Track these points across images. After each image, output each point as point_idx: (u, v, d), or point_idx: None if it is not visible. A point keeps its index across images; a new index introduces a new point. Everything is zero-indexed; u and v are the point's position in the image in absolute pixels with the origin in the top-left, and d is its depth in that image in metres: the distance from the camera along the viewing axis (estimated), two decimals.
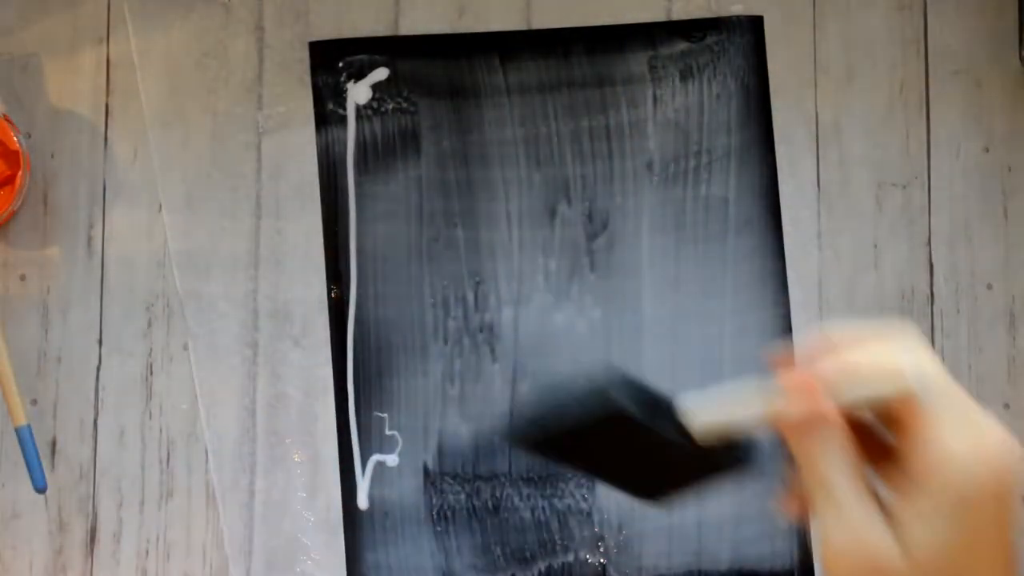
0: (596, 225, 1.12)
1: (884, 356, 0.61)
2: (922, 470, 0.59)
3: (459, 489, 1.11)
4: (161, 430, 1.13)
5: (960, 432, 0.58)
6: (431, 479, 1.11)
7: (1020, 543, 0.60)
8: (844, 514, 0.61)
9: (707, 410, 0.65)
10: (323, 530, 1.11)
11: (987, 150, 1.14)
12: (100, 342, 1.14)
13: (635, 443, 0.65)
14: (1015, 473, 0.58)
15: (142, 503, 1.13)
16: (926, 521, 0.59)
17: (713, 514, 1.10)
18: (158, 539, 1.13)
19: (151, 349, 1.14)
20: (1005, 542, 0.59)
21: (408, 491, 1.11)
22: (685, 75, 1.14)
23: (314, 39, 1.15)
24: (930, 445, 0.59)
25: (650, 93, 1.13)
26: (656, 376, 1.11)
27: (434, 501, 1.11)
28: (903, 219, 1.13)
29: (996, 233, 1.13)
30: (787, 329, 1.11)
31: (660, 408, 0.65)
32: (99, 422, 1.13)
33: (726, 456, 0.67)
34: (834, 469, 0.61)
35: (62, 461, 1.13)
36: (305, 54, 1.15)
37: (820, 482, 0.61)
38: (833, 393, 0.61)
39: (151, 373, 1.13)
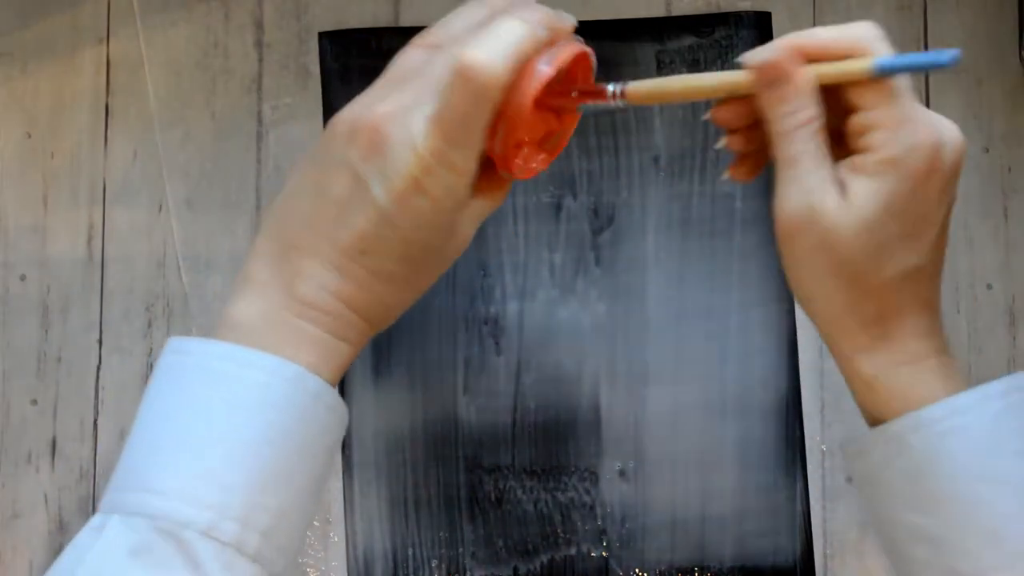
0: (602, 220, 1.12)
1: (855, 42, 0.68)
2: (882, 136, 0.67)
3: (463, 481, 1.11)
4: None
5: (920, 111, 0.67)
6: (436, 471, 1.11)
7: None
8: (800, 178, 0.70)
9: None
10: (324, 524, 1.11)
11: (987, 150, 1.14)
12: (100, 342, 1.14)
13: None
14: (959, 154, 0.68)
15: None
16: (872, 181, 0.68)
17: (716, 509, 1.10)
18: None
19: (151, 349, 1.14)
20: (940, 212, 0.69)
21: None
22: (693, 70, 1.14)
23: (321, 30, 1.15)
24: (895, 114, 0.67)
25: None
26: (660, 370, 1.11)
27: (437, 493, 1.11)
28: None
29: (996, 233, 1.13)
30: (792, 325, 1.11)
31: None
32: (99, 422, 1.13)
33: None
34: (804, 143, 0.70)
35: (62, 461, 1.13)
36: (310, 46, 1.15)
37: (788, 156, 0.71)
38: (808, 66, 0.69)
39: (151, 373, 1.13)
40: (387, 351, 1.12)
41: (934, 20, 1.15)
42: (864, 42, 0.68)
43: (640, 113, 1.14)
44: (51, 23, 1.16)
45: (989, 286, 1.13)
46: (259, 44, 1.16)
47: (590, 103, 0.77)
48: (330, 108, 1.15)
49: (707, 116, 0.76)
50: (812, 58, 0.70)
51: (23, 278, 1.14)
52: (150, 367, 1.13)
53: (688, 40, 1.14)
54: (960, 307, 1.13)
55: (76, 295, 1.14)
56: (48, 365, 1.13)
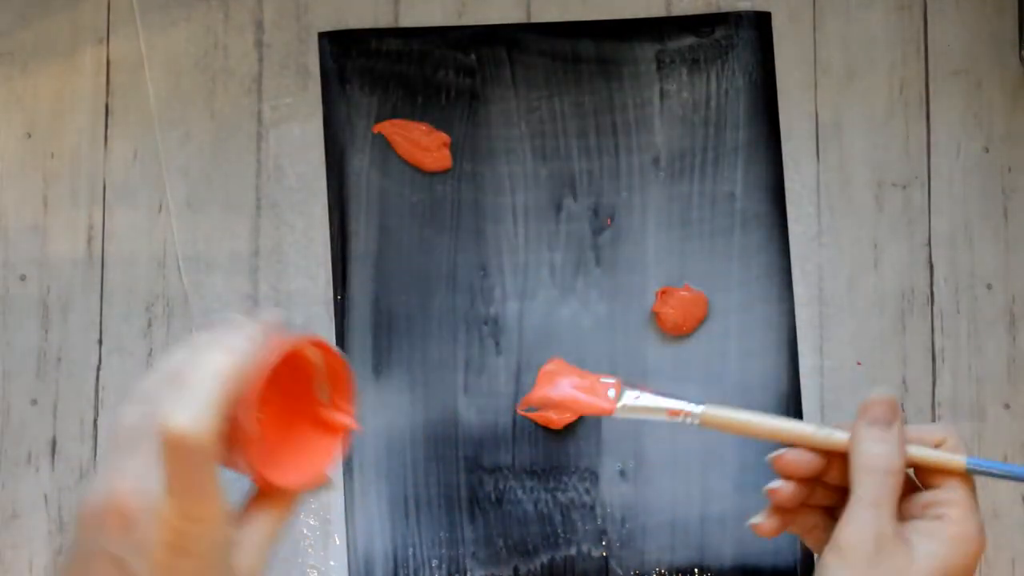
0: (602, 220, 1.12)
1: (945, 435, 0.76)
2: (958, 513, 0.74)
3: (463, 481, 1.11)
4: None
5: (974, 516, 0.74)
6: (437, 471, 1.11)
7: None
8: (878, 515, 0.74)
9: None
10: (325, 524, 1.11)
11: (987, 150, 1.14)
12: (100, 342, 1.14)
13: None
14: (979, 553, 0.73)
15: None
16: (939, 547, 0.74)
17: (716, 509, 1.10)
18: None
19: (151, 349, 1.14)
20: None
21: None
22: (693, 70, 1.14)
23: (321, 30, 1.15)
24: (971, 503, 0.74)
25: (657, 88, 1.14)
26: (660, 371, 1.11)
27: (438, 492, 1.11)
28: (903, 219, 1.13)
29: (996, 233, 1.13)
30: (792, 325, 1.11)
31: None
32: (99, 422, 1.13)
33: None
34: (887, 479, 0.75)
35: (62, 461, 1.13)
36: (310, 46, 1.15)
37: (869, 480, 0.75)
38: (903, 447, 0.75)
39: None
40: (387, 352, 1.12)
41: (934, 20, 1.15)
42: (952, 436, 0.75)
43: (640, 113, 1.14)
44: (51, 23, 1.16)
45: (989, 286, 1.13)
46: (259, 44, 1.16)
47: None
48: (330, 108, 1.15)
49: (771, 456, 0.78)
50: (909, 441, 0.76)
51: (23, 278, 1.14)
52: (150, 367, 1.13)
53: (688, 40, 1.14)
54: (960, 307, 1.13)
55: (76, 295, 1.14)
56: (48, 365, 1.13)
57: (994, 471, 0.74)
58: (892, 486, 0.75)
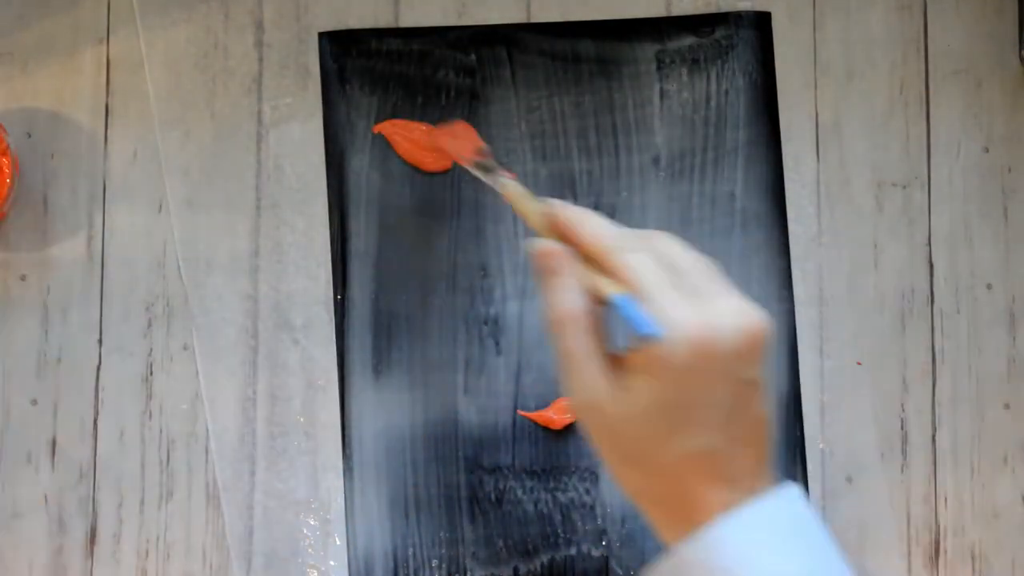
0: None
1: (621, 264, 0.78)
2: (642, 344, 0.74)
3: (463, 481, 1.11)
4: (161, 430, 1.13)
5: (672, 315, 0.74)
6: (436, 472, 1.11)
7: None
8: (578, 373, 0.77)
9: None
10: (325, 524, 1.11)
11: (987, 150, 1.14)
12: (100, 342, 1.14)
13: None
14: (743, 339, 0.75)
15: (142, 503, 1.13)
16: (640, 376, 0.75)
17: None
18: (158, 539, 1.13)
19: (151, 349, 1.14)
20: (724, 396, 0.76)
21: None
22: (693, 70, 1.14)
23: (321, 30, 1.15)
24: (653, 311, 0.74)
25: (657, 88, 1.14)
26: None
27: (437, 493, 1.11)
28: (903, 219, 1.13)
29: (996, 233, 1.14)
30: (792, 325, 1.11)
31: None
32: (99, 422, 1.13)
33: None
34: (574, 339, 0.78)
35: (62, 461, 1.13)
36: (310, 46, 1.15)
37: (562, 349, 0.78)
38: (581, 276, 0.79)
39: (151, 373, 1.13)
40: (387, 352, 1.12)
41: (934, 20, 1.15)
42: (616, 258, 0.78)
43: (640, 113, 1.14)
44: (51, 23, 1.16)
45: (989, 286, 1.13)
46: (259, 44, 1.16)
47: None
48: (330, 108, 1.14)
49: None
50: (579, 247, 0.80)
51: (23, 278, 1.14)
52: (150, 367, 1.13)
53: (688, 40, 1.14)
54: (960, 307, 1.13)
55: (76, 295, 1.14)
56: (48, 365, 1.13)
57: (626, 315, 0.75)
58: (578, 332, 0.77)
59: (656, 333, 0.73)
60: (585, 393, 0.78)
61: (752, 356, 0.76)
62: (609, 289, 0.77)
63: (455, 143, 1.05)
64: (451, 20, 1.15)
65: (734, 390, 0.76)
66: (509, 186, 0.88)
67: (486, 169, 0.93)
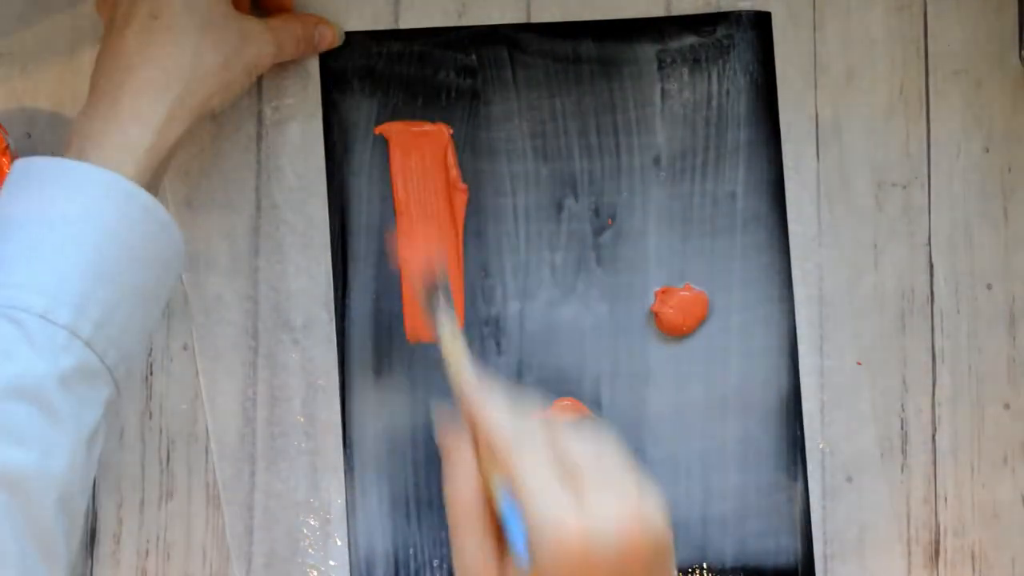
0: (603, 220, 1.12)
1: (512, 464, 0.77)
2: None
3: None
4: (161, 430, 1.13)
5: (551, 531, 0.73)
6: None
7: None
8: (467, 557, 0.78)
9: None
10: (325, 524, 1.11)
11: (987, 150, 1.14)
12: None
13: None
14: (604, 561, 0.73)
15: (142, 503, 1.13)
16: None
17: (717, 509, 1.10)
18: (158, 539, 1.13)
19: (151, 349, 1.14)
20: None
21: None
22: (694, 69, 1.14)
23: None
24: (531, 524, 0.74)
25: (658, 88, 1.14)
26: (661, 371, 1.11)
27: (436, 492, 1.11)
28: (903, 219, 1.13)
29: (996, 233, 1.14)
30: (792, 325, 1.11)
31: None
32: None
33: None
34: (466, 534, 0.79)
35: None
36: None
37: (453, 542, 0.79)
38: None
39: (151, 373, 1.13)
40: (388, 352, 1.12)
41: (934, 20, 1.15)
42: (508, 457, 0.77)
43: (641, 113, 1.14)
44: (51, 23, 1.16)
45: (989, 286, 1.13)
46: None
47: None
48: (330, 109, 1.14)
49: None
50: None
51: None
52: (150, 367, 1.13)
53: (689, 39, 1.14)
54: (960, 307, 1.13)
55: None
56: None
57: (509, 526, 0.76)
58: (469, 527, 0.78)
59: (525, 559, 0.74)
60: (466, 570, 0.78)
61: (636, 567, 0.75)
62: (497, 494, 0.78)
63: (410, 255, 1.08)
64: (451, 21, 1.15)
65: None
66: (447, 333, 0.91)
67: (432, 301, 0.94)
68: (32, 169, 0.92)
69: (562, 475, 0.75)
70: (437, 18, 1.16)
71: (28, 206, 0.89)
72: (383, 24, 1.15)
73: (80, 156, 0.93)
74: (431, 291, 0.94)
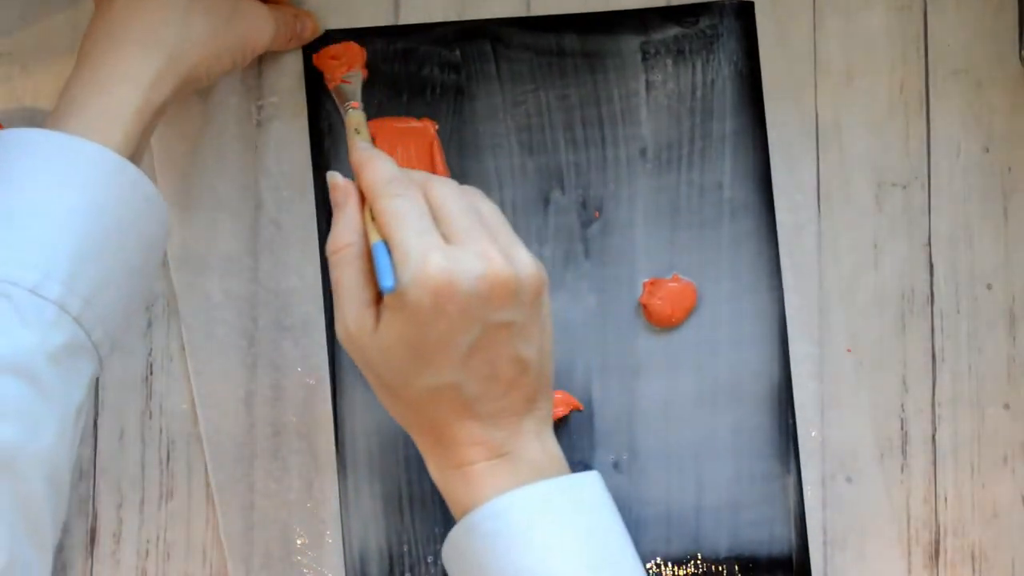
0: (590, 212, 1.12)
1: (383, 209, 0.87)
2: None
3: None
4: (161, 430, 1.13)
5: (415, 264, 0.83)
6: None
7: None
8: (341, 305, 0.88)
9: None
10: (319, 523, 1.11)
11: (987, 150, 1.14)
12: None
13: None
14: (481, 286, 0.84)
15: (142, 503, 1.13)
16: (389, 313, 0.85)
17: (711, 500, 1.10)
18: (158, 539, 1.13)
19: (151, 349, 1.14)
20: (462, 338, 0.84)
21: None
22: (678, 60, 1.14)
23: None
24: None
25: (643, 79, 1.14)
26: (652, 362, 1.11)
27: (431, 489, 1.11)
28: (903, 219, 1.13)
29: (996, 233, 1.13)
30: (782, 313, 1.11)
31: None
32: (99, 422, 1.13)
33: None
34: (343, 272, 0.88)
35: None
36: (309, 45, 1.15)
37: (333, 280, 0.89)
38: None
39: (151, 373, 1.14)
40: None
41: (934, 20, 1.15)
42: (381, 203, 0.87)
43: (626, 105, 1.14)
44: (51, 23, 1.16)
45: (989, 286, 1.13)
46: None
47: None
48: (315, 108, 1.14)
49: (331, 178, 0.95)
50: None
51: None
52: (150, 367, 1.13)
53: (673, 30, 1.14)
54: (960, 307, 1.13)
55: None
56: None
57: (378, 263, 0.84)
58: (347, 266, 0.87)
59: (389, 287, 0.82)
60: (346, 324, 0.87)
61: (500, 300, 0.84)
62: (370, 234, 0.86)
63: (333, 64, 1.13)
64: (452, 18, 1.15)
65: (480, 332, 0.85)
66: (353, 116, 1.01)
67: (343, 94, 1.06)
68: (19, 141, 0.91)
69: (434, 220, 0.86)
70: (438, 15, 1.16)
71: (15, 179, 0.89)
72: (383, 22, 1.15)
73: (64, 125, 0.93)
74: (341, 87, 1.06)
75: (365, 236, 0.88)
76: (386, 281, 0.83)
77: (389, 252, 0.84)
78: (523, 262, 0.86)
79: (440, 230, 0.86)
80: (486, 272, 0.83)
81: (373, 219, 0.88)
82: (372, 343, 0.87)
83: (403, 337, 0.85)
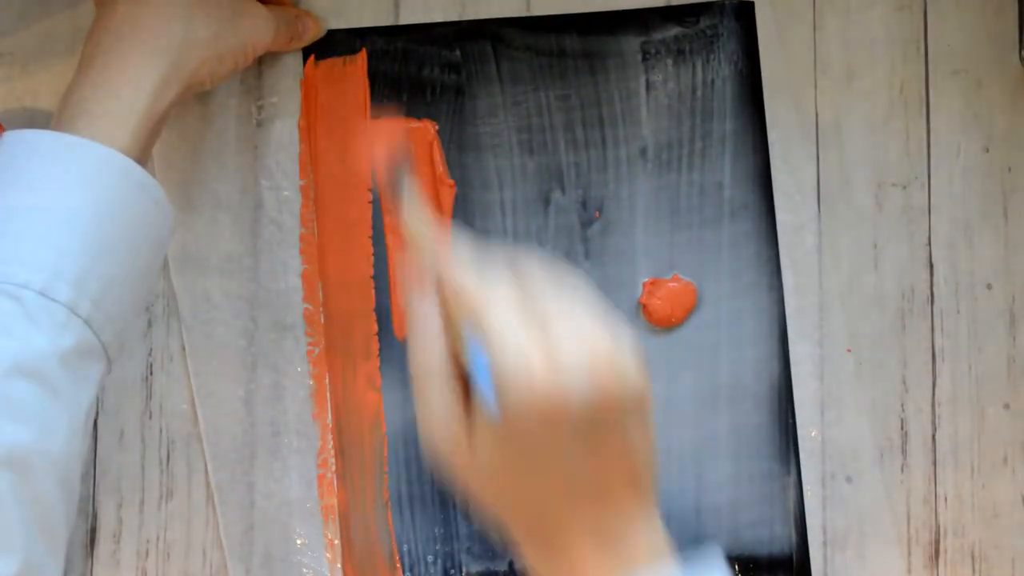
0: (590, 212, 1.12)
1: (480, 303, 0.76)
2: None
3: None
4: (161, 430, 1.13)
5: (510, 370, 0.72)
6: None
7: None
8: (433, 406, 0.77)
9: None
10: (319, 522, 1.11)
11: (987, 150, 1.14)
12: None
13: None
14: (596, 398, 0.72)
15: (142, 503, 1.13)
16: (482, 432, 0.75)
17: (711, 500, 1.10)
18: (158, 539, 1.13)
19: (151, 349, 1.14)
20: (555, 459, 0.74)
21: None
22: (678, 60, 1.14)
23: None
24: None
25: (643, 79, 1.14)
26: (652, 362, 1.10)
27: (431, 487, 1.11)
28: (903, 219, 1.13)
29: (996, 233, 1.13)
30: (782, 313, 1.11)
31: None
32: (99, 422, 1.13)
33: None
34: (428, 373, 0.78)
35: None
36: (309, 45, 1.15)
37: (417, 382, 0.79)
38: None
39: (151, 373, 1.14)
40: (381, 348, 1.12)
41: (934, 20, 1.15)
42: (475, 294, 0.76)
43: (627, 105, 1.14)
44: (51, 23, 1.16)
45: (989, 286, 1.13)
46: None
47: None
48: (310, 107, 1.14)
49: None
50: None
51: None
52: (150, 367, 1.13)
53: (673, 30, 1.14)
54: (960, 307, 1.13)
55: None
56: None
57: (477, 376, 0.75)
58: (429, 368, 0.78)
59: (493, 407, 0.72)
60: (435, 429, 0.78)
61: (615, 408, 0.75)
62: (465, 344, 0.76)
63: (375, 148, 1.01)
64: (452, 18, 1.15)
65: (589, 436, 0.75)
66: (412, 214, 0.85)
67: (396, 184, 0.90)
68: (28, 143, 0.92)
69: (531, 320, 0.74)
70: (438, 15, 1.16)
71: (24, 180, 0.89)
72: (383, 22, 1.15)
73: (71, 127, 0.93)
74: (394, 175, 0.90)
75: (451, 347, 0.79)
76: (489, 402, 0.73)
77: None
78: (631, 368, 0.77)
79: (538, 328, 0.74)
80: (596, 387, 0.74)
81: (459, 317, 0.78)
82: (469, 466, 0.78)
83: (505, 457, 0.76)
